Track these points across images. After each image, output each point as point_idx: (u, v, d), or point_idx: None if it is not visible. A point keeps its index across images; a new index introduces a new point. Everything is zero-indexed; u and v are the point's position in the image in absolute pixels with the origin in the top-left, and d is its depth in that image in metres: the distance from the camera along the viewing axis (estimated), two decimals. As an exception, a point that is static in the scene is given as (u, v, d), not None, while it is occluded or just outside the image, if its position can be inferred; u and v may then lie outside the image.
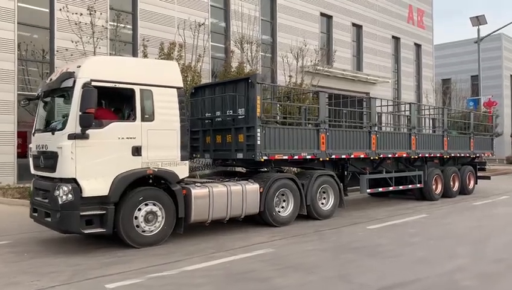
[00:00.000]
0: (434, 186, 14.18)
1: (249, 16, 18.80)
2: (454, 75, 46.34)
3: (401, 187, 13.00)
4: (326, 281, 5.71)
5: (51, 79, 7.87)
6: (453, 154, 14.94)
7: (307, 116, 11.70)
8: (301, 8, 23.91)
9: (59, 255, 7.02)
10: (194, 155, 10.84)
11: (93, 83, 6.99)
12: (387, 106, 16.07)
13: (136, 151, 7.44)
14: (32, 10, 15.00)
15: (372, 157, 11.80)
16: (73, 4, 14.26)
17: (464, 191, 15.45)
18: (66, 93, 7.24)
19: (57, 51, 14.38)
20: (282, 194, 9.73)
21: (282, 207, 9.75)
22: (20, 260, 6.80)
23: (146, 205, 7.52)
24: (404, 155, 12.85)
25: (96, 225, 7.12)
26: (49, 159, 7.28)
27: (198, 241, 7.94)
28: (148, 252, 7.18)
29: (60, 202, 6.92)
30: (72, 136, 6.89)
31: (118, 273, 6.07)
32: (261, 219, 9.40)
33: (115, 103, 8.16)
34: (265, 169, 10.20)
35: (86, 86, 6.85)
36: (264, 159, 9.23)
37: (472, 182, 16.05)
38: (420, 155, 13.38)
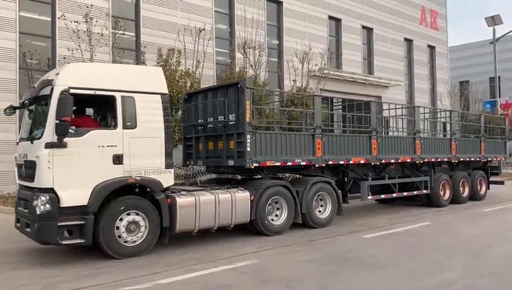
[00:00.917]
0: (442, 192, 13.66)
1: (252, 21, 18.59)
2: (472, 77, 45.40)
3: (405, 193, 12.54)
4: (304, 296, 5.39)
5: (33, 87, 7.78)
6: (462, 159, 14.38)
7: (307, 121, 11.43)
8: (308, 12, 23.62)
9: (38, 267, 6.87)
10: (187, 162, 10.66)
11: (72, 91, 6.85)
12: (395, 109, 15.72)
13: (117, 159, 7.26)
14: (33, 19, 15.10)
15: (373, 163, 11.40)
16: (73, 13, 14.28)
17: (474, 197, 14.86)
18: (45, 101, 7.11)
19: (59, 60, 14.43)
20: (276, 202, 9.44)
21: (276, 215, 9.45)
22: (-2, 271, 6.68)
23: (128, 214, 7.33)
24: (408, 160, 12.40)
25: (76, 236, 6.95)
26: (29, 169, 7.17)
27: (183, 252, 7.71)
28: (129, 263, 6.98)
29: (38, 212, 6.78)
30: (49, 145, 6.75)
31: (91, 286, 5.88)
32: (253, 228, 9.12)
33: (96, 111, 8.02)
34: (260, 176, 9.92)
35: (62, 93, 6.71)
36: (255, 166, 8.96)
37: (484, 188, 15.44)
38: (426, 160, 12.89)
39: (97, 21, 12.89)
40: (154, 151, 7.65)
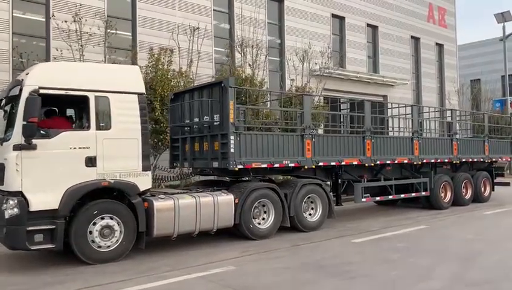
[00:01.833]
0: (442, 194, 13.22)
1: (251, 19, 18.26)
2: (484, 75, 44.43)
3: (402, 195, 12.13)
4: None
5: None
6: (464, 160, 13.89)
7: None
8: (310, 10, 23.19)
9: (6, 273, 6.66)
10: (174, 164, 10.41)
11: (42, 91, 6.64)
12: (398, 108, 15.30)
13: (90, 162, 7.03)
14: (27, 20, 14.96)
15: (367, 164, 11.01)
16: (67, 12, 14.09)
17: (478, 198, 14.36)
18: (15, 102, 6.91)
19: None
20: (263, 205, 9.14)
21: (263, 219, 9.14)
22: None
23: (102, 218, 7.09)
24: (406, 161, 11.97)
25: (46, 241, 6.72)
26: (0, 171, 6.96)
27: (160, 257, 7.44)
28: (100, 269, 6.74)
29: (7, 217, 6.57)
30: (17, 147, 6.55)
31: (52, 294, 5.64)
32: (238, 232, 8.83)
33: (69, 111, 7.79)
34: (247, 178, 9.62)
35: (30, 94, 6.49)
36: (239, 168, 8.65)
37: (488, 189, 14.93)
38: (425, 161, 12.45)
39: (86, 20, 12.67)
40: (130, 153, 7.40)
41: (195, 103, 9.53)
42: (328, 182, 10.93)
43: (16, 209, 6.51)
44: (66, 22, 12.60)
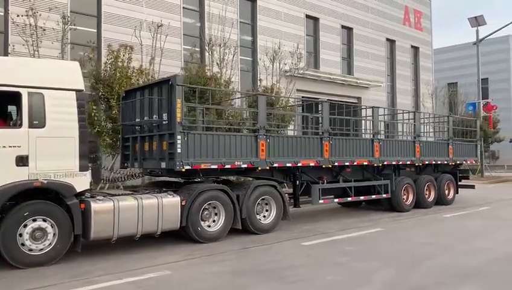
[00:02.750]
0: (405, 197, 13.16)
1: (219, 17, 18.03)
2: (461, 79, 44.97)
3: (362, 198, 12.01)
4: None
5: None
6: (427, 162, 13.87)
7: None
8: (284, 10, 23.05)
9: None
10: (125, 164, 10.10)
11: (-32, 86, 6.29)
12: (359, 109, 15.21)
13: (21, 161, 6.70)
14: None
15: (324, 166, 10.86)
16: (22, 6, 13.66)
17: (441, 201, 14.36)
18: None
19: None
20: (214, 207, 8.90)
21: (214, 221, 8.90)
22: None
23: (34, 220, 6.77)
24: (366, 163, 11.87)
25: (-29, 244, 6.38)
26: None
27: (99, 261, 7.15)
28: (29, 273, 6.43)
29: None
30: None
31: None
32: (186, 235, 8.57)
33: (1, 108, 7.43)
34: (199, 179, 9.37)
35: (-48, 89, 6.14)
36: (186, 169, 8.39)
37: (452, 192, 14.93)
38: (386, 163, 12.37)
39: (40, 15, 12.25)
40: (66, 152, 7.09)
41: (145, 101, 9.25)
42: (285, 184, 10.78)
43: None
44: (21, 16, 12.18)
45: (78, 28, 14.16)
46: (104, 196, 7.70)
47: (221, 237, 8.79)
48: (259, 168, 9.61)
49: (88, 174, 7.39)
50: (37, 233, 6.77)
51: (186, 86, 9.89)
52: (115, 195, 7.90)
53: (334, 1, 25.76)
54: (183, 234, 8.61)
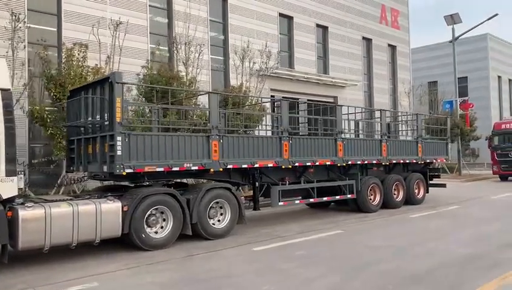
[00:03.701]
0: (372, 197, 12.84)
1: (184, 14, 17.57)
2: (440, 77, 45.08)
3: (325, 199, 11.64)
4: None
5: None
6: (395, 161, 13.56)
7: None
8: (256, 9, 22.64)
9: None
10: (71, 168, 9.57)
11: None
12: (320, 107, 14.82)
13: None
14: None
15: (284, 166, 10.45)
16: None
17: (411, 200, 14.07)
18: None
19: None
20: (162, 212, 8.43)
21: (162, 227, 8.43)
22: None
23: (-48, 230, 6.23)
24: (328, 163, 11.50)
25: None
26: None
27: (23, 273, 6.63)
28: None
29: None
30: None
31: None
32: (130, 242, 8.09)
33: None
34: (147, 183, 8.89)
35: None
36: (128, 173, 7.90)
37: (422, 191, 14.65)
38: (350, 163, 12.02)
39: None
40: (-10, 156, 6.56)
41: (90, 100, 8.73)
42: (241, 186, 10.37)
43: None
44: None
45: (37, 26, 13.63)
46: (36, 203, 7.18)
47: (169, 244, 8.33)
48: (212, 170, 9.16)
49: (16, 180, 6.86)
50: (-45, 244, 6.25)
51: (126, 83, 9.38)
52: (49, 201, 7.38)
53: (309, 0, 25.45)
54: (128, 241, 8.13)
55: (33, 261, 7.19)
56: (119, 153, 7.73)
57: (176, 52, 16.30)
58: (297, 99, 23.93)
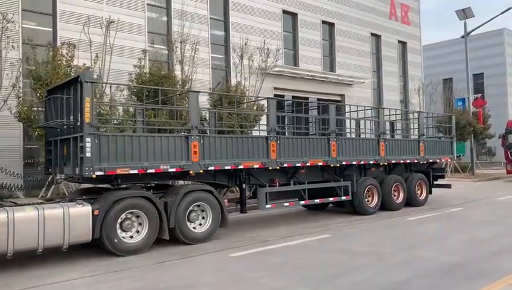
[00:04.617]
0: (369, 198, 12.33)
1: (182, 12, 17.28)
2: (455, 74, 43.88)
3: (317, 201, 11.19)
4: None
5: None
6: (394, 161, 13.00)
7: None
8: (258, 6, 22.24)
9: None
10: (49, 170, 9.33)
11: None
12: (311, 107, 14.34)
13: None
14: None
15: (271, 168, 10.03)
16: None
17: (412, 202, 13.47)
18: None
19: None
20: (138, 216, 8.11)
21: (138, 231, 8.12)
22: None
23: None
24: (320, 164, 11.03)
25: None
26: None
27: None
28: None
29: None
30: None
31: None
32: (103, 247, 7.79)
33: None
34: (124, 186, 8.58)
35: None
36: (98, 175, 7.59)
37: (424, 192, 14.02)
38: (344, 163, 11.53)
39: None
40: None
41: (65, 100, 8.45)
42: (230, 188, 9.99)
43: None
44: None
45: (32, 27, 13.50)
46: (1, 206, 6.93)
47: (144, 249, 8.00)
48: (192, 172, 8.79)
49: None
50: None
51: (95, 82, 9.07)
52: (11, 205, 7.12)
53: (314, -4, 24.94)
54: (102, 247, 7.84)
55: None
56: (88, 155, 7.43)
57: (171, 50, 16.02)
58: (307, 98, 23.57)
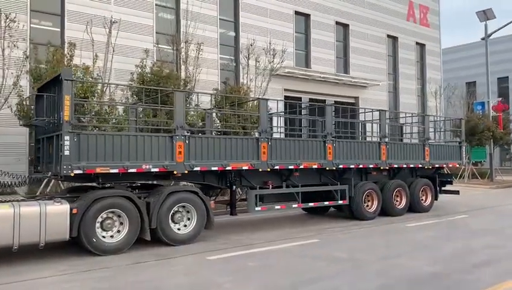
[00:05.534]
0: (369, 203, 11.98)
1: (188, 13, 17.26)
2: (479, 77, 42.59)
3: (311, 204, 10.89)
4: None
5: None
6: (396, 166, 12.59)
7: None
8: (270, 7, 22.05)
9: None
10: (38, 168, 9.37)
11: None
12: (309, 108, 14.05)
13: None
14: None
15: (261, 169, 9.83)
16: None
17: (416, 208, 13.06)
18: None
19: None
20: (119, 216, 8.04)
21: (119, 231, 8.05)
22: None
23: None
24: (315, 166, 10.77)
25: None
26: None
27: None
28: None
29: None
30: None
31: None
32: (82, 246, 7.75)
33: None
34: (108, 185, 8.54)
35: None
36: (77, 174, 7.56)
37: (429, 198, 13.56)
38: (341, 166, 11.22)
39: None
40: None
41: (51, 98, 8.48)
42: (217, 190, 9.85)
43: None
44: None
45: (39, 26, 13.68)
46: (-25, 204, 6.96)
47: (124, 249, 7.92)
48: (176, 172, 8.68)
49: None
50: None
51: (75, 80, 9.06)
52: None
53: (327, -4, 24.60)
54: (81, 245, 7.80)
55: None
56: (66, 153, 7.41)
57: (177, 50, 16.01)
58: (323, 100, 23.21)
